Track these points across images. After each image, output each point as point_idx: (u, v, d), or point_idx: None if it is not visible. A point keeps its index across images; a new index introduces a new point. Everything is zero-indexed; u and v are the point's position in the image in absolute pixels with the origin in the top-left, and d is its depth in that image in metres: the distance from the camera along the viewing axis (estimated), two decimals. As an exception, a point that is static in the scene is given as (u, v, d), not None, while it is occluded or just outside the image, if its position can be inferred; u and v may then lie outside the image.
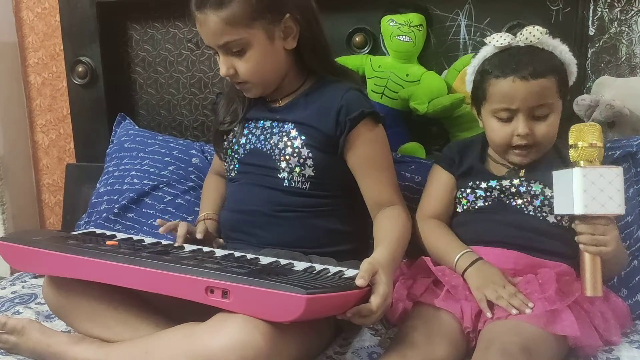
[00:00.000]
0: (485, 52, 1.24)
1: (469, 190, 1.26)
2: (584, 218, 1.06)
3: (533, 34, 1.19)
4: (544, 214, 1.21)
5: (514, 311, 1.06)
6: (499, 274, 1.14)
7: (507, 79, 1.17)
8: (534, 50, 1.19)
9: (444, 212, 1.30)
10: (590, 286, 1.05)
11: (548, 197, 1.20)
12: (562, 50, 1.21)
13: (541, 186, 1.21)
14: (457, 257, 1.18)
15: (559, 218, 1.20)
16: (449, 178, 1.31)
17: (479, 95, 1.24)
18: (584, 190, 1.03)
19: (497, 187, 1.23)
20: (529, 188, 1.22)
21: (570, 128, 1.09)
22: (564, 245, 1.19)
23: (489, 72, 1.21)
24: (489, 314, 1.09)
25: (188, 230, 1.24)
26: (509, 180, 1.23)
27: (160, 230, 1.25)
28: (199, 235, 1.26)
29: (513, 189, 1.22)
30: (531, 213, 1.21)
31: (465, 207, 1.27)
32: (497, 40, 1.21)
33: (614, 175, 1.03)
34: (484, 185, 1.25)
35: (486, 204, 1.25)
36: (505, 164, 1.26)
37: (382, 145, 1.26)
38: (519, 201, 1.22)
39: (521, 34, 1.20)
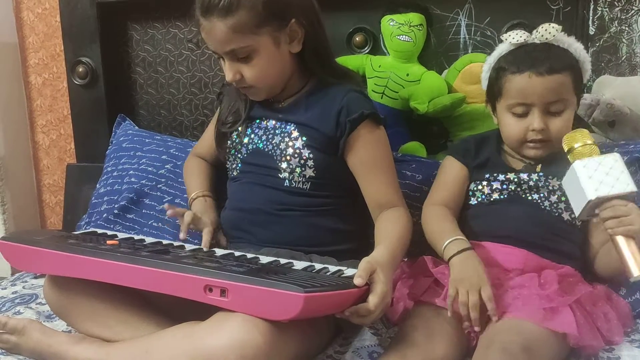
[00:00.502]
0: (500, 49, 1.26)
1: (484, 183, 1.26)
2: (600, 203, 1.06)
3: (549, 31, 1.20)
4: (560, 211, 1.21)
5: (466, 324, 1.08)
6: (480, 273, 1.10)
7: (524, 75, 1.18)
8: (549, 47, 1.21)
9: (452, 202, 1.28)
10: (633, 266, 1.03)
11: (565, 193, 1.20)
12: (576, 47, 1.23)
13: (559, 182, 1.21)
14: (447, 242, 1.17)
15: (573, 216, 1.21)
16: (462, 169, 1.30)
17: (494, 91, 1.25)
18: (589, 177, 1.05)
19: (515, 179, 1.23)
20: (547, 183, 1.22)
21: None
22: (574, 245, 1.20)
23: (504, 69, 1.22)
24: (449, 314, 1.08)
25: (194, 220, 1.25)
26: (527, 174, 1.23)
27: (168, 213, 1.26)
28: (205, 247, 1.24)
29: (531, 183, 1.22)
30: (547, 208, 1.21)
31: (479, 200, 1.27)
32: (513, 37, 1.22)
33: (613, 160, 1.06)
34: (501, 177, 1.25)
35: (502, 196, 1.24)
36: (522, 159, 1.26)
37: (383, 147, 1.25)
38: (535, 196, 1.22)
39: (537, 31, 1.22)
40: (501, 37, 1.26)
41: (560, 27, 1.21)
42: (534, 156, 1.23)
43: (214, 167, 1.47)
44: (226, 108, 1.35)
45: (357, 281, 0.97)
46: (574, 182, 1.08)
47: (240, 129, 1.32)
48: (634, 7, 1.52)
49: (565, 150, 1.10)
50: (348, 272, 1.06)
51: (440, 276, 1.17)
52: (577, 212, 1.09)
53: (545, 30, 1.21)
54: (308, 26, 1.20)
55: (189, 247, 1.18)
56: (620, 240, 1.05)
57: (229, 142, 1.34)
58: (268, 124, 1.29)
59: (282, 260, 1.10)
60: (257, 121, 1.31)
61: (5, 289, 1.52)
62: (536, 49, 1.21)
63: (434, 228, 1.23)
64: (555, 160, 1.23)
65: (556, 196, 1.21)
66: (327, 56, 1.28)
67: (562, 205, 1.21)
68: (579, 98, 1.24)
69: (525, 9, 1.57)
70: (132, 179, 1.65)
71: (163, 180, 1.64)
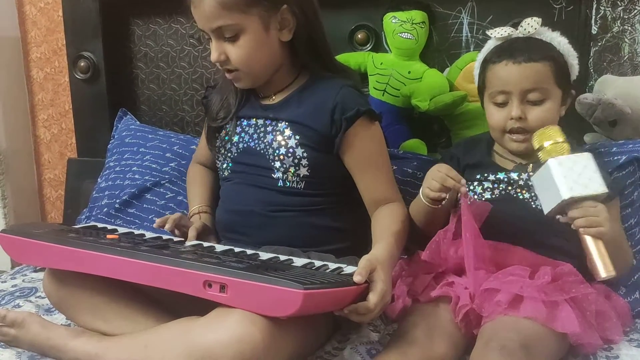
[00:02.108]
0: (488, 45, 1.30)
1: (475, 183, 1.27)
2: (572, 203, 1.06)
3: (530, 25, 1.25)
4: None
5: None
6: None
7: (502, 63, 1.21)
8: (531, 39, 1.25)
9: None
10: (602, 267, 1.04)
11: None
12: (560, 41, 1.25)
13: None
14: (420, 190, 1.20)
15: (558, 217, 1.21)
16: None
17: (480, 84, 1.29)
18: (564, 176, 1.05)
19: (505, 179, 1.24)
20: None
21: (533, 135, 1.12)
22: (569, 242, 1.20)
23: (487, 60, 1.26)
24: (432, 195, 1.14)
25: (181, 222, 1.25)
26: (517, 174, 1.24)
27: (156, 224, 1.25)
28: (190, 235, 1.24)
29: (521, 182, 1.23)
30: (539, 207, 1.21)
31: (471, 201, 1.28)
32: (498, 32, 1.27)
33: (586, 159, 1.06)
34: (492, 177, 1.25)
35: (493, 196, 1.25)
36: (513, 159, 1.27)
37: (379, 143, 1.24)
38: (527, 195, 1.22)
39: (521, 26, 1.26)
40: (488, 32, 1.30)
41: (540, 19, 1.25)
42: (516, 149, 1.24)
43: (214, 172, 1.44)
44: (217, 104, 1.32)
45: (357, 279, 0.97)
46: (546, 180, 1.07)
47: (229, 126, 1.29)
48: (636, 7, 1.52)
49: (535, 148, 1.11)
50: (347, 269, 1.06)
51: (432, 260, 1.18)
52: (546, 210, 1.10)
53: (528, 24, 1.25)
54: (301, 16, 1.17)
55: (189, 242, 1.18)
56: (589, 240, 1.06)
57: (217, 141, 1.31)
58: (259, 121, 1.26)
59: (282, 257, 1.10)
60: (248, 119, 1.28)
61: (5, 282, 1.53)
62: (517, 41, 1.25)
63: (413, 205, 1.25)
64: None
65: None
66: (321, 51, 1.25)
67: None
68: (566, 93, 1.25)
69: (528, 8, 1.56)
70: (136, 175, 1.65)
71: (167, 177, 1.64)
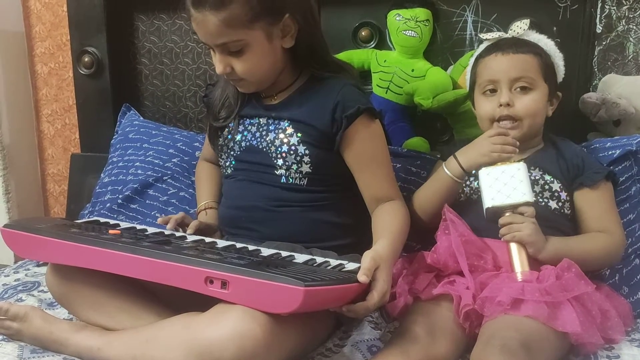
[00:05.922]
0: (480, 48, 1.36)
1: (472, 178, 1.28)
2: (500, 211, 1.14)
3: (519, 27, 1.32)
4: (545, 200, 1.22)
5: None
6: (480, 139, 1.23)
7: (491, 55, 1.29)
8: (519, 38, 1.31)
9: None
10: (518, 267, 1.12)
11: (548, 181, 1.24)
12: (546, 43, 1.32)
13: (541, 172, 1.25)
14: (443, 166, 1.25)
15: (560, 204, 1.23)
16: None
17: (471, 81, 1.34)
18: (489, 186, 1.14)
19: None
20: (529, 174, 1.22)
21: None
22: (566, 235, 1.20)
23: (478, 58, 1.32)
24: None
25: (184, 221, 1.26)
26: None
27: (159, 220, 1.27)
28: (189, 231, 1.26)
29: None
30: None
31: (467, 195, 1.29)
32: (490, 35, 1.34)
33: (515, 169, 1.14)
34: None
35: None
36: None
37: (379, 141, 1.24)
38: None
39: (510, 29, 1.33)
40: (480, 35, 1.36)
41: (529, 20, 1.32)
42: None
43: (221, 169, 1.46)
44: (218, 102, 1.33)
45: (362, 279, 0.97)
46: (479, 185, 1.16)
47: (231, 125, 1.30)
48: (641, 6, 1.52)
49: None
50: (349, 266, 1.06)
51: (438, 265, 1.19)
52: (484, 205, 1.16)
53: (517, 26, 1.32)
54: (302, 22, 1.18)
55: (190, 238, 1.18)
56: (512, 244, 1.13)
57: (220, 139, 1.32)
58: (261, 120, 1.27)
59: (284, 254, 1.10)
60: (250, 118, 1.29)
61: (8, 276, 1.53)
62: (506, 38, 1.32)
63: (425, 188, 1.31)
64: (537, 156, 1.28)
65: (539, 186, 1.23)
66: (321, 52, 1.26)
67: (547, 194, 1.23)
68: (552, 92, 1.28)
69: (532, 7, 1.57)
70: (138, 171, 1.66)
71: (169, 172, 1.64)
